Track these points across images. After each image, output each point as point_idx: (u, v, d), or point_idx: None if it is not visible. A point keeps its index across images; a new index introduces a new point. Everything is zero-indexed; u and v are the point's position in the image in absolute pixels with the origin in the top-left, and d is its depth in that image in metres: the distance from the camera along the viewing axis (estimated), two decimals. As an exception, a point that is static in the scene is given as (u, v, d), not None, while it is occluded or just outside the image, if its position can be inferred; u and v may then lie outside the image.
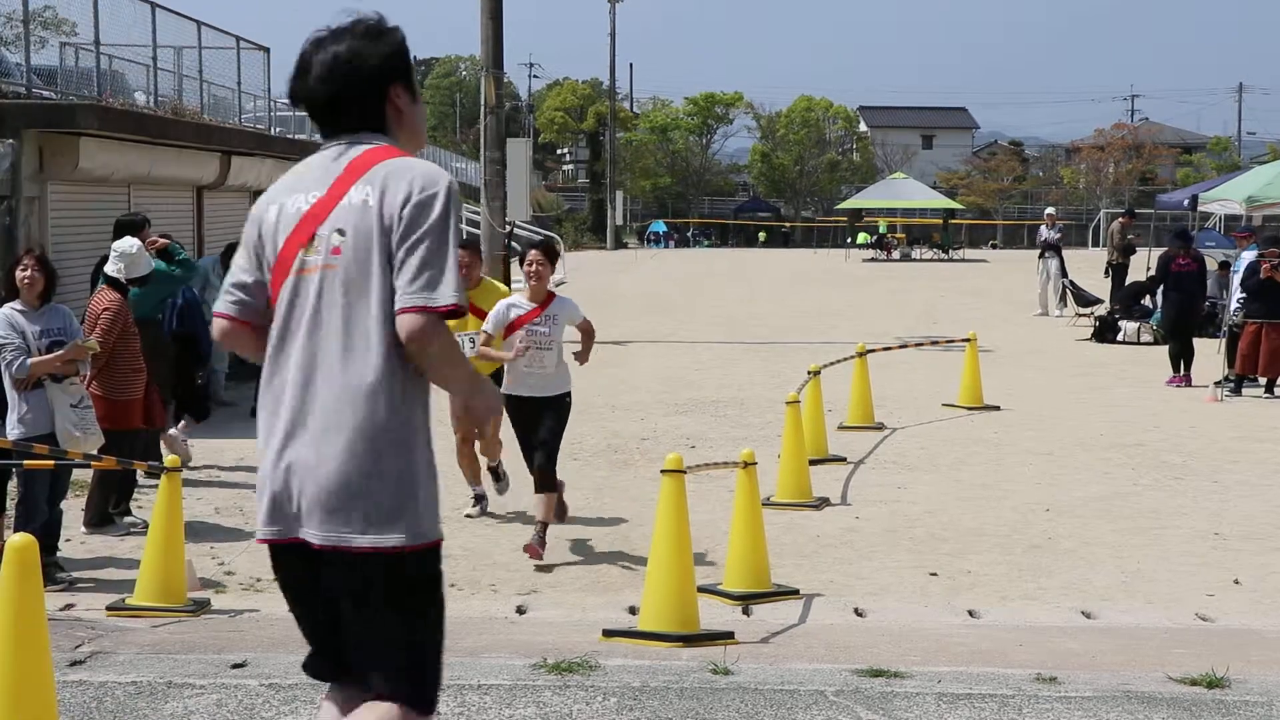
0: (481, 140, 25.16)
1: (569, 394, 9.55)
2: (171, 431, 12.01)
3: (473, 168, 63.05)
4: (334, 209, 3.75)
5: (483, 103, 24.77)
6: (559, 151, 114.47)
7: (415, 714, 3.83)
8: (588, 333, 9.69)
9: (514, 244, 26.62)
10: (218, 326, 3.95)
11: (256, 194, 22.53)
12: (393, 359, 3.70)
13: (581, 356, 9.54)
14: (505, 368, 9.49)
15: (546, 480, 9.25)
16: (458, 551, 9.39)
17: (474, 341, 9.50)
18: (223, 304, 3.94)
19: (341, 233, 3.72)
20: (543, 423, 9.34)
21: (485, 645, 6.90)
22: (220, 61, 23.16)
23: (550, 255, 9.66)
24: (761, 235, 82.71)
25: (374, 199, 3.71)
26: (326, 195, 3.78)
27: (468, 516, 10.49)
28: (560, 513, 9.61)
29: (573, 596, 8.46)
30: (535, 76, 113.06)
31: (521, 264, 9.64)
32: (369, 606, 3.77)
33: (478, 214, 26.58)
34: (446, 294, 3.66)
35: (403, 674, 3.83)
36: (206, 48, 22.23)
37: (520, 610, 8.12)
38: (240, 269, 3.94)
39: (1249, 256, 17.94)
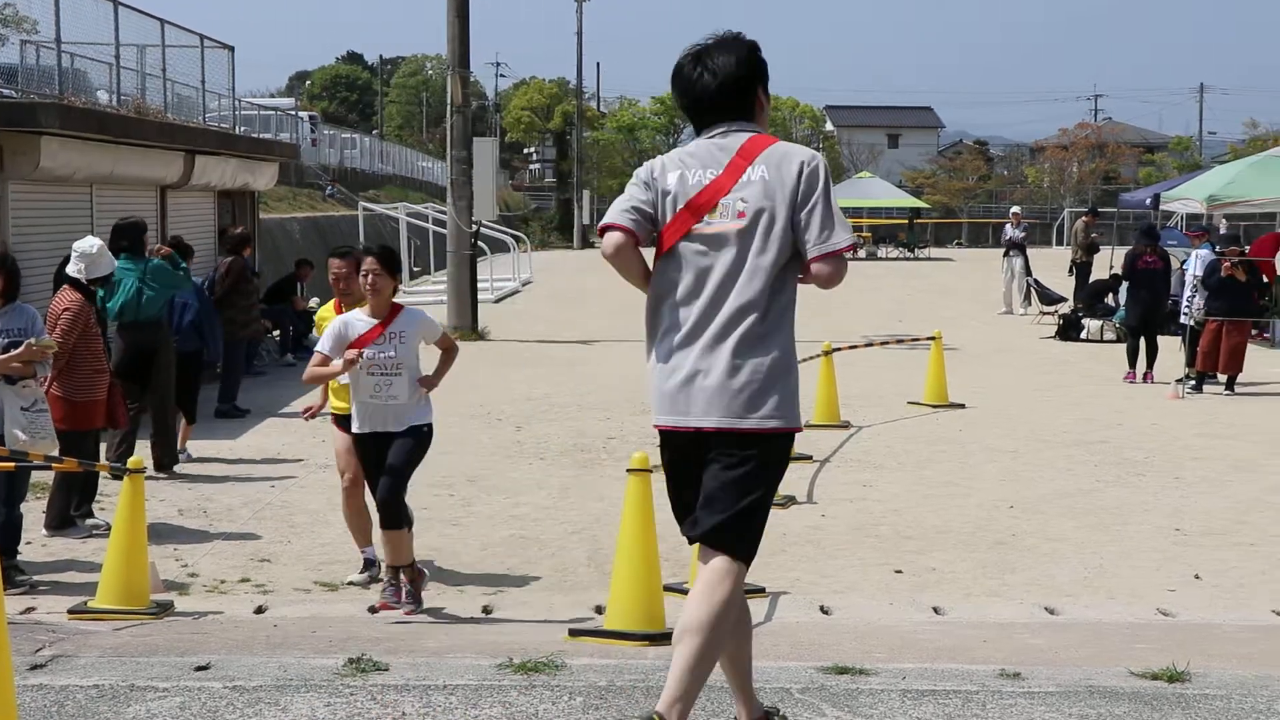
0: (448, 139, 25.12)
1: (428, 426, 8.09)
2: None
3: (439, 167, 63.00)
4: (735, 184, 4.71)
5: (449, 102, 24.74)
6: (526, 151, 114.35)
7: (744, 566, 4.73)
8: (449, 350, 8.44)
9: (480, 244, 26.60)
10: (612, 238, 4.81)
11: (221, 194, 22.49)
12: (777, 295, 4.73)
13: (429, 380, 8.07)
14: (352, 402, 8.08)
15: (390, 514, 7.87)
16: (423, 552, 9.37)
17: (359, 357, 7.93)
18: (621, 219, 4.79)
19: (744, 200, 4.68)
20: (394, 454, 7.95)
21: (451, 645, 6.89)
22: (184, 60, 23.05)
23: (388, 263, 8.05)
24: None
25: (773, 176, 4.69)
26: (725, 173, 4.73)
27: (350, 584, 8.71)
28: (414, 575, 8.00)
29: (539, 596, 8.46)
30: (502, 76, 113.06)
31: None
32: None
33: (444, 213, 26.56)
34: (843, 238, 4.72)
35: (742, 534, 4.71)
36: (170, 46, 22.12)
37: (486, 610, 8.11)
38: (639, 201, 4.81)
39: (1204, 254, 18.06)
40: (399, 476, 7.90)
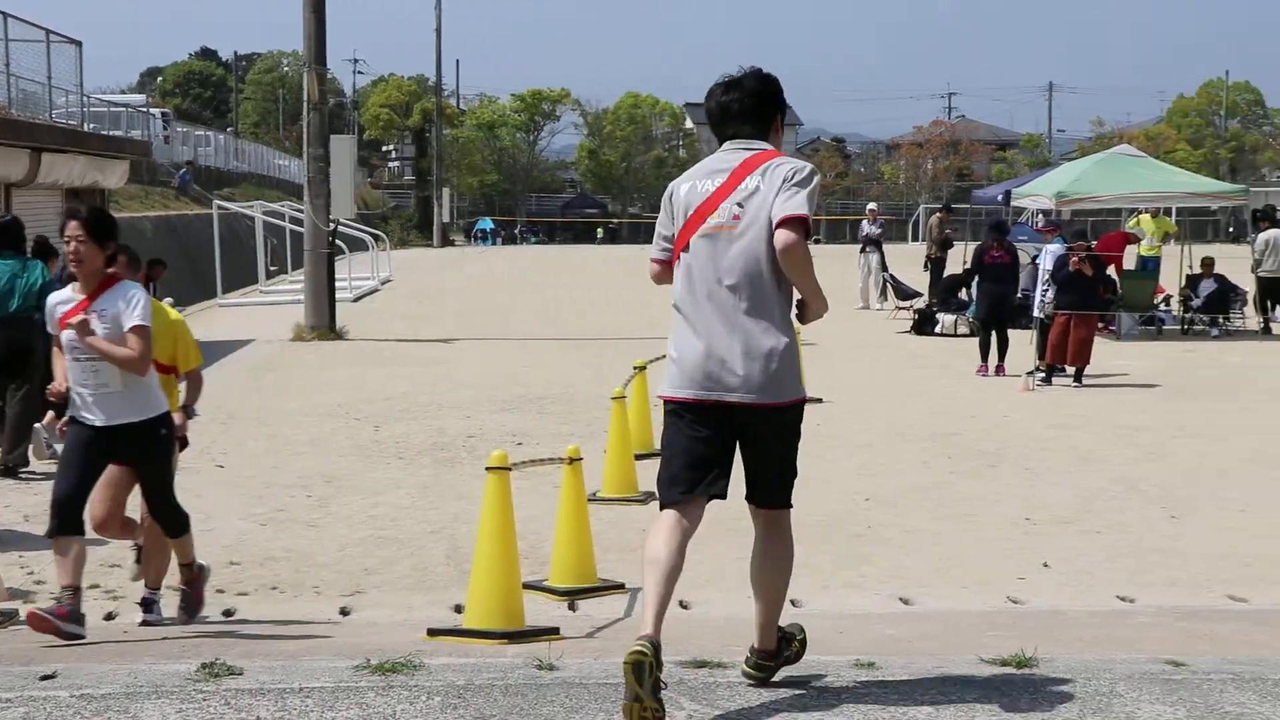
0: (304, 137, 24.86)
1: (160, 421, 7.13)
2: (37, 426, 11.72)
3: (296, 165, 62.24)
4: (735, 189, 5.40)
5: (306, 99, 24.47)
6: (384, 149, 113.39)
7: (788, 514, 5.75)
8: (130, 353, 6.93)
9: (338, 242, 26.34)
10: (653, 270, 5.67)
11: (70, 192, 21.97)
12: (777, 290, 5.40)
13: (183, 415, 7.55)
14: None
15: (169, 525, 7.42)
16: (279, 554, 9.28)
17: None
18: (657, 253, 5.63)
19: (740, 205, 5.36)
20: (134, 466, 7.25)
21: (307, 648, 6.82)
22: (29, 55, 22.54)
23: (94, 226, 6.97)
24: (599, 232, 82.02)
25: (764, 182, 5.37)
26: (727, 181, 5.44)
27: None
28: (151, 574, 7.62)
29: (398, 597, 8.40)
30: (360, 73, 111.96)
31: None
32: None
33: (301, 212, 26.25)
34: (800, 206, 5.28)
35: (786, 489, 5.73)
36: (14, 40, 21.62)
37: (344, 612, 8.05)
38: (664, 229, 5.59)
39: (1054, 249, 18.45)
40: (163, 491, 7.33)
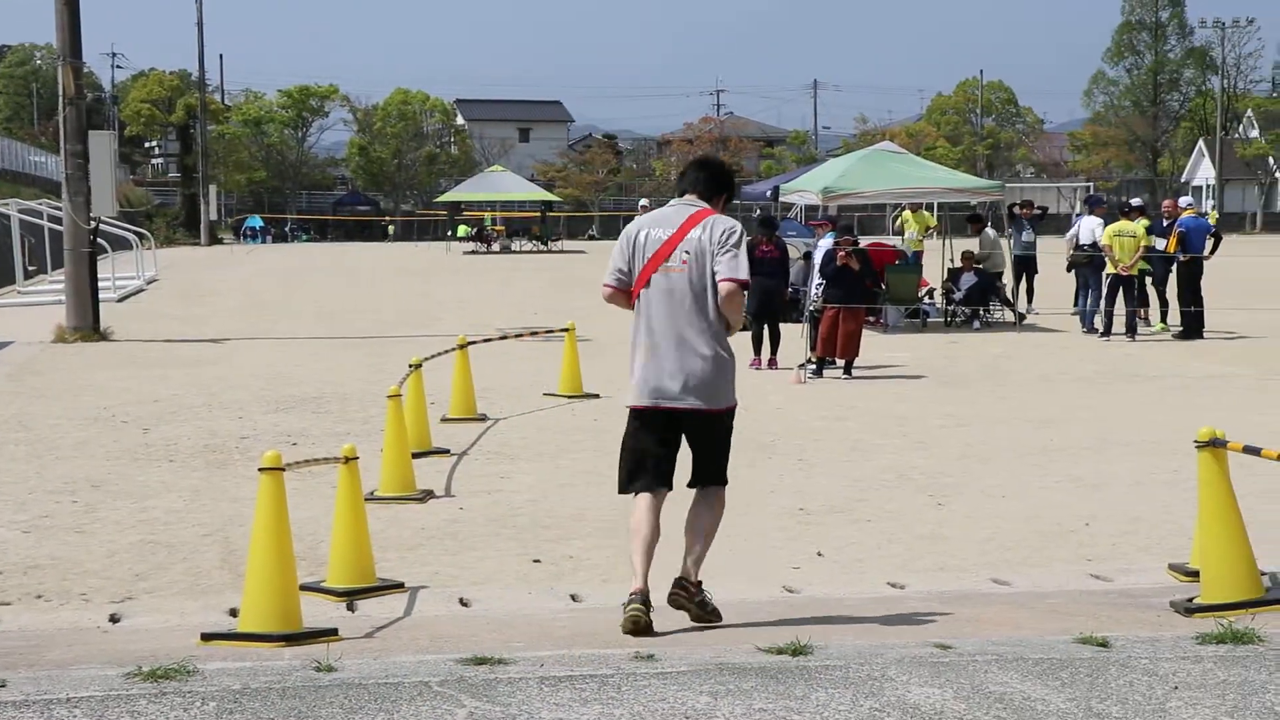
0: (61, 133, 24.09)
1: None
2: None
3: (53, 161, 60.28)
4: (682, 239, 6.98)
5: (61, 94, 23.72)
6: (147, 145, 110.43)
7: (722, 489, 7.28)
8: None
9: (101, 241, 25.61)
10: (605, 292, 7.18)
11: None
12: (717, 317, 6.99)
13: None
14: None
15: None
16: (45, 561, 8.99)
17: None
18: (610, 279, 7.14)
19: (688, 252, 6.96)
20: None
21: (75, 657, 6.63)
22: None
23: None
24: (390, 229, 79.04)
25: (705, 235, 6.98)
26: (676, 232, 7.01)
27: None
28: None
29: (171, 602, 8.21)
30: (119, 67, 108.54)
31: None
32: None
33: (60, 210, 25.46)
34: (742, 272, 6.96)
35: (720, 471, 7.26)
36: None
37: (114, 619, 7.83)
38: (620, 263, 7.10)
39: (827, 244, 18.87)
40: None
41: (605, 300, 7.26)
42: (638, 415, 7.14)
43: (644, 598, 6.92)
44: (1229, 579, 7.45)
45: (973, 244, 26.20)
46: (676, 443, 7.20)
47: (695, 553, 7.20)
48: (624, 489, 7.27)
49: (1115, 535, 9.71)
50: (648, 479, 7.14)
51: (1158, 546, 9.30)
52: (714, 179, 7.29)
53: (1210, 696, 5.86)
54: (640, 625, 6.84)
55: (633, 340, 7.16)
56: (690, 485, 7.30)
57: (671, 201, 7.26)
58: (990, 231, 26.20)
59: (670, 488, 7.22)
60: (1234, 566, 7.45)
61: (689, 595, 7.14)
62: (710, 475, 7.28)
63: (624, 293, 7.14)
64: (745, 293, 6.99)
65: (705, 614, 7.19)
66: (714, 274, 6.91)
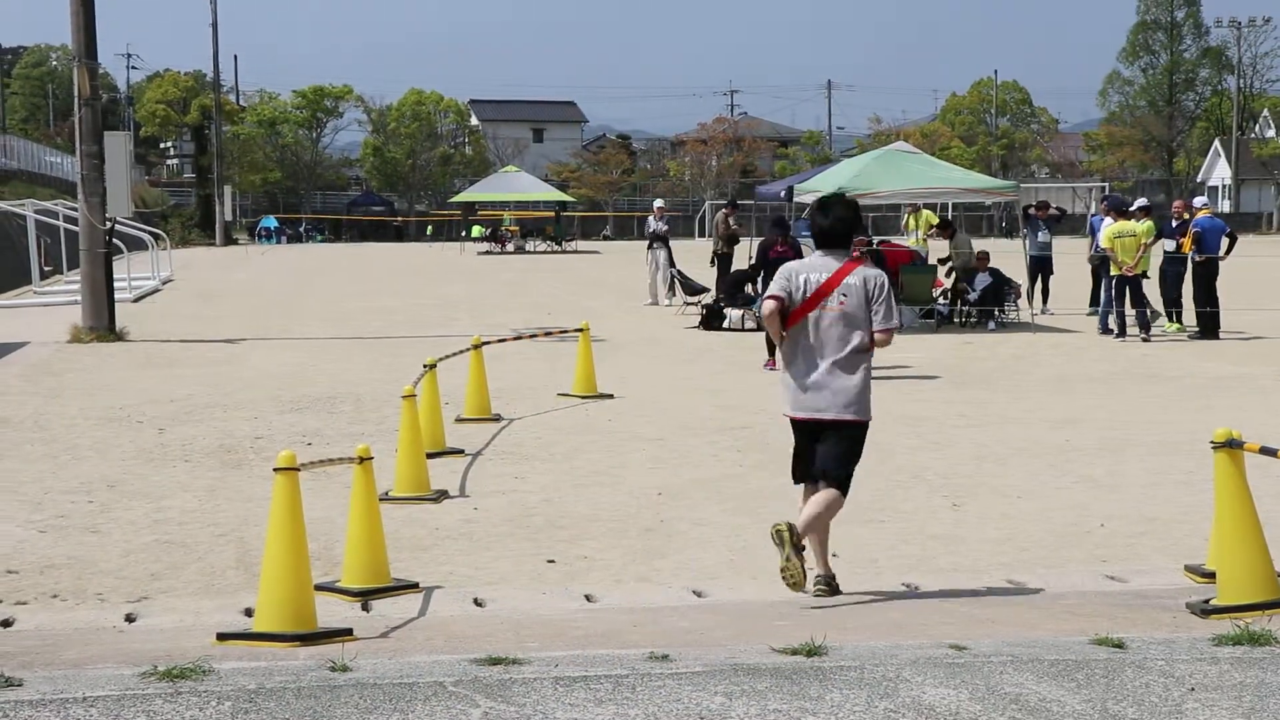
0: (76, 133, 24.14)
1: None
2: None
3: (69, 162, 60.44)
4: (839, 284, 8.18)
5: (76, 94, 23.77)
6: (162, 145, 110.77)
7: (843, 496, 8.30)
8: None
9: (116, 242, 25.67)
10: (772, 305, 8.21)
11: None
12: (865, 350, 8.25)
13: None
14: None
15: None
16: (61, 560, 9.02)
17: None
18: (777, 289, 8.25)
19: (844, 295, 8.16)
20: None
21: (91, 656, 6.65)
22: None
23: None
24: (477, 230, 71.63)
25: (858, 283, 8.19)
26: (832, 276, 8.20)
27: None
28: None
29: (186, 602, 8.23)
30: (134, 68, 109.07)
31: None
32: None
33: (75, 210, 25.52)
34: (894, 321, 8.27)
35: (844, 478, 8.33)
36: None
37: (130, 618, 7.85)
38: (784, 286, 8.24)
39: None
40: None
41: (767, 314, 8.32)
42: (796, 424, 8.41)
43: (791, 526, 8.06)
44: (1245, 580, 7.42)
45: (987, 244, 26.15)
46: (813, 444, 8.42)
47: (808, 517, 8.28)
48: (796, 480, 8.56)
49: (1131, 536, 9.69)
50: (805, 471, 8.43)
51: (1174, 547, 9.28)
52: (847, 227, 8.49)
53: (1227, 698, 5.84)
54: (783, 536, 7.98)
55: (788, 361, 8.38)
56: (821, 477, 8.37)
57: (818, 253, 8.42)
58: (962, 235, 26.48)
59: (816, 477, 8.42)
60: (1250, 568, 7.43)
61: (832, 587, 8.31)
62: (835, 468, 8.33)
63: (783, 314, 8.26)
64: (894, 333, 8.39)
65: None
66: (870, 318, 8.22)
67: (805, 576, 7.91)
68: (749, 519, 10.21)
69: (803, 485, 8.44)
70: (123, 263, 31.68)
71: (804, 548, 8.05)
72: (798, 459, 8.44)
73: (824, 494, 8.22)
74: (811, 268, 8.34)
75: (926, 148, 58.61)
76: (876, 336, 8.22)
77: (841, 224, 8.37)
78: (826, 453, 8.25)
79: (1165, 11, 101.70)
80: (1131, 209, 24.14)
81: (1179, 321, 23.95)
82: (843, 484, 8.26)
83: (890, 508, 10.57)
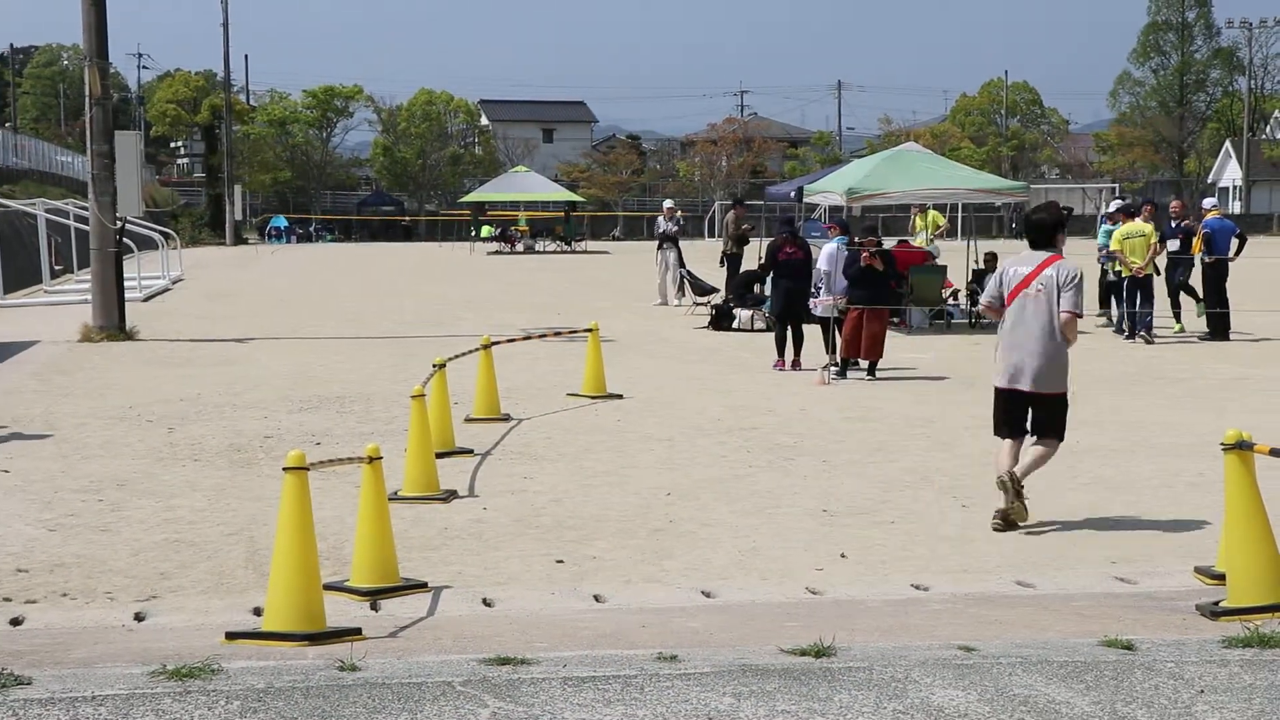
0: (87, 133, 24.17)
1: None
2: None
3: (79, 161, 60.50)
4: (1038, 276, 9.86)
5: (87, 94, 23.80)
6: (173, 145, 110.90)
7: (1058, 444, 10.18)
8: None
9: (126, 241, 25.71)
10: (984, 304, 10.42)
11: None
12: (1058, 330, 9.85)
13: None
14: None
15: None
16: (70, 559, 9.03)
17: None
18: (993, 301, 10.19)
19: (1041, 284, 9.83)
20: None
21: (100, 655, 6.65)
22: None
23: None
24: (487, 230, 69.16)
25: (1054, 274, 9.85)
26: (1034, 270, 9.90)
27: None
28: None
29: (195, 601, 8.24)
30: (145, 68, 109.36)
31: None
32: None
33: (86, 209, 25.56)
34: (1079, 307, 9.83)
35: (1058, 429, 10.15)
36: None
37: (139, 617, 7.85)
38: (995, 289, 10.15)
39: (832, 248, 18.79)
40: None
41: (983, 310, 10.84)
42: (998, 393, 10.14)
43: (1010, 473, 9.88)
44: (1255, 582, 7.41)
45: (996, 245, 26.11)
46: (1018, 410, 10.10)
47: (1025, 465, 9.98)
48: (996, 433, 10.27)
49: (1141, 538, 9.67)
50: (1008, 431, 10.11)
51: (1184, 549, 9.26)
52: (1052, 228, 10.17)
53: (1237, 700, 5.83)
54: (1005, 484, 9.82)
55: (1000, 341, 10.10)
56: (1030, 433, 10.15)
57: (1031, 248, 10.12)
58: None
59: (1025, 435, 10.13)
60: (1261, 569, 7.41)
61: (1018, 488, 9.86)
62: (1047, 431, 10.11)
63: (997, 309, 10.15)
64: (1079, 318, 9.91)
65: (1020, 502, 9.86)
66: (1059, 303, 9.79)
67: (1028, 514, 9.80)
68: (758, 519, 10.21)
69: (1005, 441, 10.11)
70: (133, 262, 31.72)
71: (1023, 490, 9.79)
72: (1001, 419, 10.17)
73: (1042, 447, 10.05)
74: (1020, 261, 10.12)
75: (937, 148, 58.55)
76: (1061, 317, 9.81)
77: (1040, 225, 10.13)
78: (1038, 419, 10.05)
79: (1176, 12, 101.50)
80: (1111, 210, 24.27)
81: (1180, 322, 23.90)
82: (1059, 435, 10.09)
83: (900, 509, 10.55)
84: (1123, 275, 22.88)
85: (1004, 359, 10.02)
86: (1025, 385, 9.90)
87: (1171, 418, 14.85)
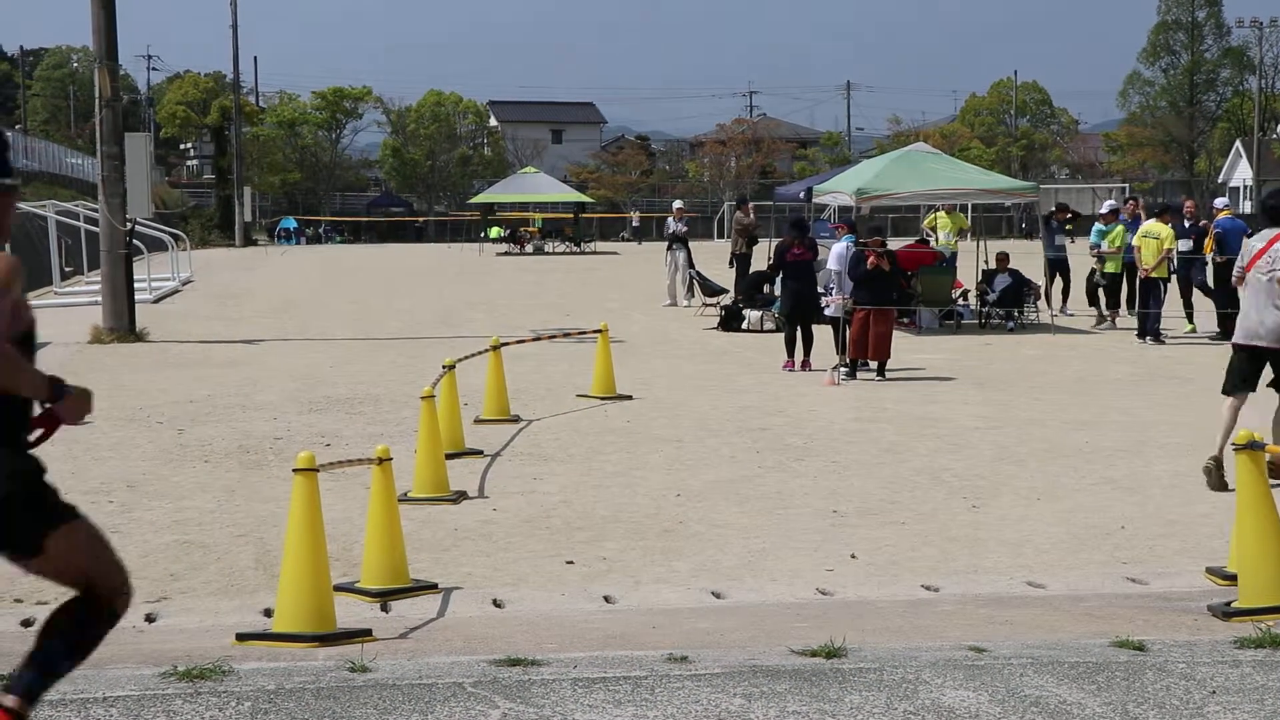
0: (97, 135, 24.21)
1: None
2: None
3: (89, 163, 60.61)
4: (1269, 249, 10.86)
5: (97, 96, 23.84)
6: (183, 146, 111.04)
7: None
8: None
9: (136, 243, 25.75)
10: (1236, 277, 11.46)
11: None
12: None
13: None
14: None
15: None
16: (81, 562, 9.02)
17: None
18: (1238, 271, 11.28)
19: (1271, 259, 10.80)
20: None
21: (110, 656, 6.64)
22: None
23: None
24: (496, 231, 68.32)
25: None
26: (1266, 245, 10.91)
27: None
28: None
29: (206, 602, 8.25)
30: (154, 69, 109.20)
31: None
32: None
33: (96, 211, 25.60)
34: None
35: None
36: None
37: (149, 618, 7.87)
38: (1238, 264, 11.47)
39: (840, 248, 18.79)
40: None
41: (1234, 282, 11.59)
42: (1238, 348, 11.16)
43: (1215, 459, 11.03)
44: (1267, 582, 7.39)
45: (1006, 245, 26.10)
46: (1259, 368, 11.12)
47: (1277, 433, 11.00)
48: (1225, 391, 11.20)
49: (1152, 538, 9.66)
50: (1240, 387, 11.10)
51: (1195, 549, 9.25)
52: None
53: (1248, 701, 5.82)
54: (1209, 471, 11.02)
55: (1243, 304, 11.20)
56: (1270, 386, 11.20)
57: (1269, 228, 11.12)
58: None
59: (1254, 390, 11.20)
60: (1272, 570, 7.40)
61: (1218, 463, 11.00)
62: None
63: (1240, 278, 11.19)
64: None
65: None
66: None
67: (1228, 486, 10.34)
68: (768, 520, 10.21)
69: (1229, 398, 11.06)
70: (143, 263, 31.77)
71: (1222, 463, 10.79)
72: (1233, 375, 11.15)
73: None
74: (1259, 238, 11.21)
75: (946, 148, 58.43)
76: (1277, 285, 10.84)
77: (1274, 206, 11.23)
78: (1276, 371, 11.12)
79: (1186, 12, 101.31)
80: (1104, 210, 24.41)
81: (1193, 322, 23.87)
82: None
83: (909, 509, 10.54)
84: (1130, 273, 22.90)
85: (1244, 319, 11.14)
86: (1262, 340, 10.97)
87: (1181, 418, 14.83)
